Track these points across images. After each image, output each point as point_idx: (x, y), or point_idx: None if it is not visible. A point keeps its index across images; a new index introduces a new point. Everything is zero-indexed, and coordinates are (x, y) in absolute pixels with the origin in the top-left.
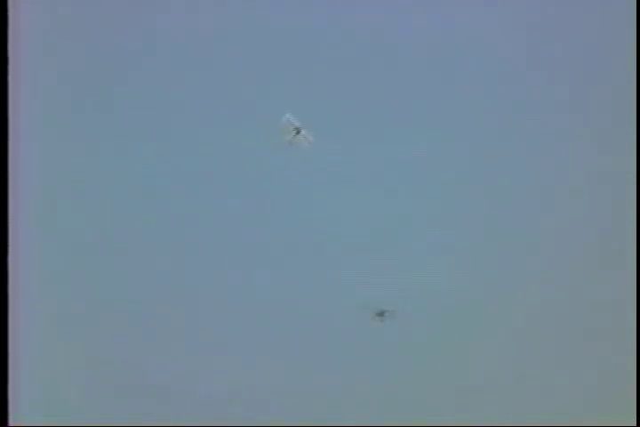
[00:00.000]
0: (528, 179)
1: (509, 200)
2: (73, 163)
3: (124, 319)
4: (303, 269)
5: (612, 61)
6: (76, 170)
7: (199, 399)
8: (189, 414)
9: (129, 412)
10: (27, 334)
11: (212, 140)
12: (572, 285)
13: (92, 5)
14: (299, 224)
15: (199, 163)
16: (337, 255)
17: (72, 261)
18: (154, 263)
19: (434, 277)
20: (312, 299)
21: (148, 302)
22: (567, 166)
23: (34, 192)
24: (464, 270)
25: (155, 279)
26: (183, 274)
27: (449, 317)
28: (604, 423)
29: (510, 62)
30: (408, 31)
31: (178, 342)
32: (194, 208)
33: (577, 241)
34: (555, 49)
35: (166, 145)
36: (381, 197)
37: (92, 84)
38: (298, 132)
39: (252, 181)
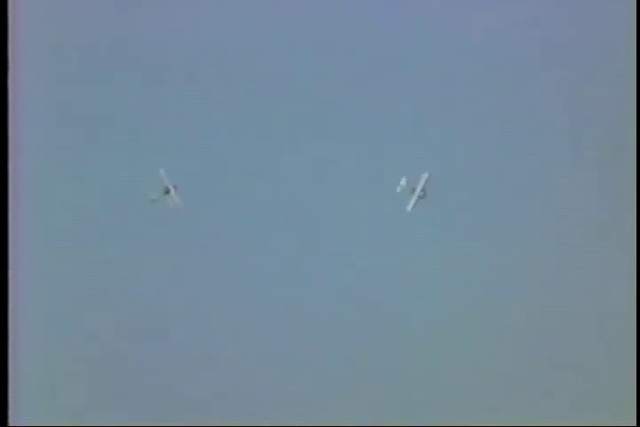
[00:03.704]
0: (527, 179)
1: (509, 200)
2: (72, 163)
3: (124, 320)
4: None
5: (613, 62)
6: (75, 170)
7: (198, 400)
8: (189, 414)
9: (128, 412)
10: (27, 335)
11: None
12: (572, 285)
13: (91, 5)
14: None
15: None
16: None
17: (73, 262)
18: (153, 264)
19: (434, 278)
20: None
21: (147, 303)
22: (567, 167)
23: (34, 192)
24: (464, 271)
25: (154, 279)
26: (183, 274)
27: (449, 316)
28: (604, 423)
29: (511, 65)
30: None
31: (177, 343)
32: (191, 207)
33: (577, 242)
34: (556, 52)
35: (165, 147)
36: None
37: (92, 84)
38: (167, 192)
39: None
